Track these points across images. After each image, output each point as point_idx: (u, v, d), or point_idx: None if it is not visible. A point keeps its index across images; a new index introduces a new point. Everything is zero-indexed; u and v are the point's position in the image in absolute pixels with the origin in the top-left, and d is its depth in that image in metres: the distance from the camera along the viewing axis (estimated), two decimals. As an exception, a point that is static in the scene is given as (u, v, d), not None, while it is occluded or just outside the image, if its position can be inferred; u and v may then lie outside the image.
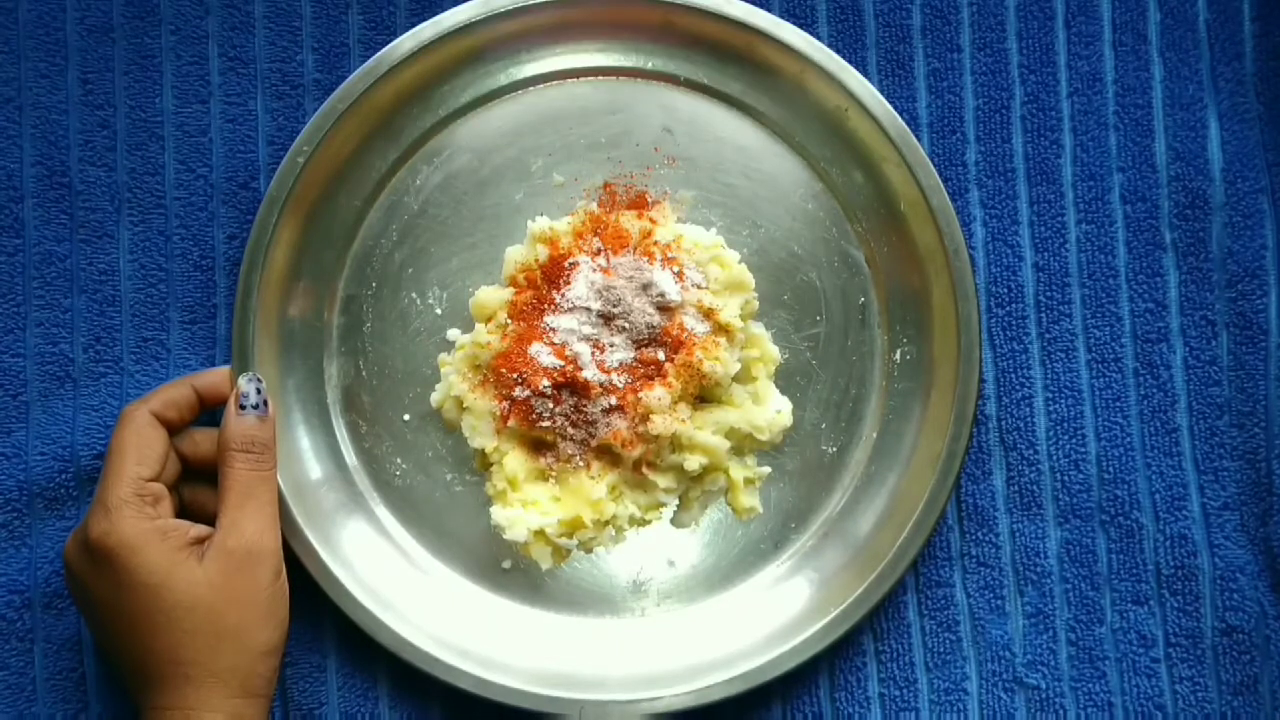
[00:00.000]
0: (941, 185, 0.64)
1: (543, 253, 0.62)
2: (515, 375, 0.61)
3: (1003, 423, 0.66)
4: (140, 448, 0.59)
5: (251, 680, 0.57)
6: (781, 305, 0.65)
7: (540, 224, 0.63)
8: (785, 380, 0.65)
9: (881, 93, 0.64)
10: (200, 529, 0.59)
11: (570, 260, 0.62)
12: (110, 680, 0.65)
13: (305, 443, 0.65)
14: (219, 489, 0.59)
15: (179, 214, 0.66)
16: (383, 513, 0.66)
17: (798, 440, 0.65)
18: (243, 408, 0.60)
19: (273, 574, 0.59)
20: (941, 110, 0.66)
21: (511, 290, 0.63)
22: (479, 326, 0.63)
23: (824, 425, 0.66)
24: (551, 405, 0.61)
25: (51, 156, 0.66)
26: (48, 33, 0.66)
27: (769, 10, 0.65)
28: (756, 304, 0.63)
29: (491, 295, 0.63)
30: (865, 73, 0.66)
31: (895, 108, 0.64)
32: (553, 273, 0.62)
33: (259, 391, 0.61)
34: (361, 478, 0.66)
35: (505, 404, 0.62)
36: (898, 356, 0.66)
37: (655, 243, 0.62)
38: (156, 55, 0.67)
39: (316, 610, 0.64)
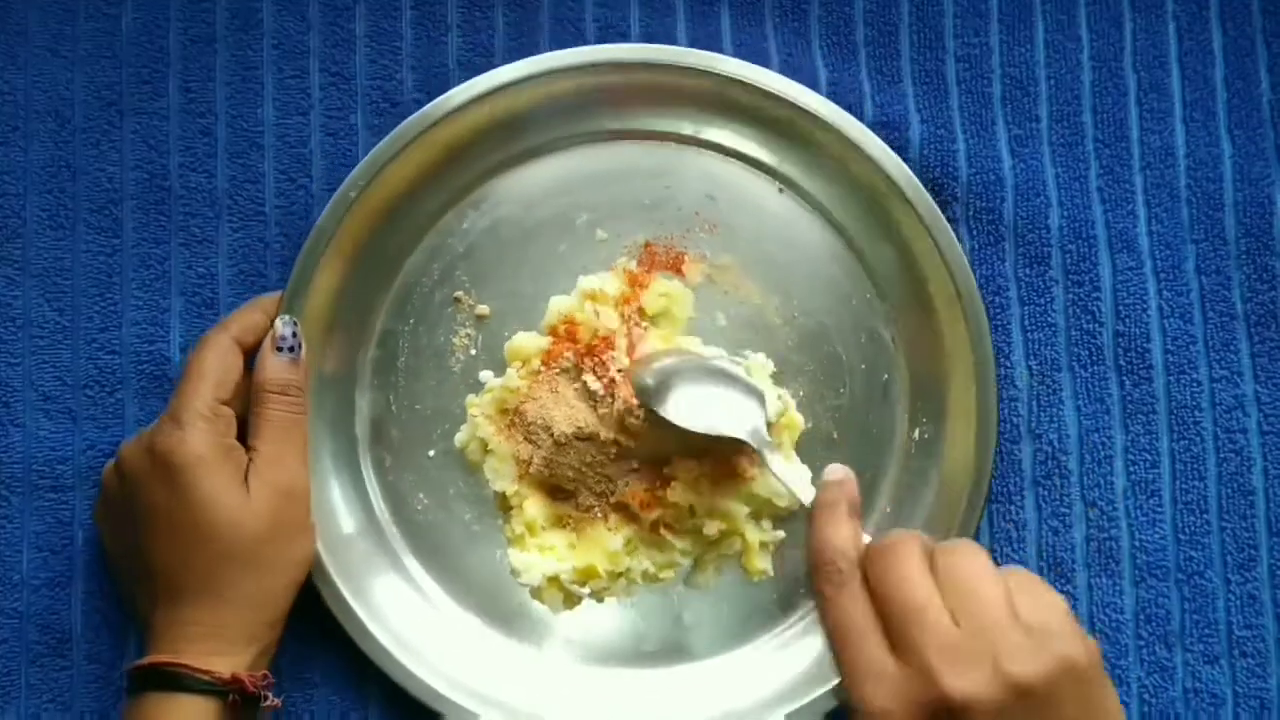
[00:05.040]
0: (969, 268, 0.65)
1: (589, 310, 0.63)
2: (540, 423, 0.62)
3: (1084, 479, 0.67)
4: (220, 370, 0.61)
5: (275, 608, 0.60)
6: (805, 374, 0.67)
7: (590, 281, 0.64)
8: (806, 448, 0.66)
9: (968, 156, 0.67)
10: None
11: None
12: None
13: (328, 462, 0.66)
14: (252, 428, 0.61)
15: (279, 222, 0.68)
16: (400, 547, 0.67)
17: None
18: (279, 349, 0.61)
19: (306, 512, 0.61)
20: (1026, 175, 0.68)
21: (549, 340, 0.64)
22: (510, 371, 0.64)
23: (840, 496, 0.67)
24: (573, 456, 0.62)
25: (152, 161, 0.68)
26: (150, 40, 0.68)
27: (817, 90, 0.67)
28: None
29: (528, 342, 0.64)
30: (951, 136, 0.68)
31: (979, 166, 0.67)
32: (588, 357, 0.64)
33: (294, 334, 0.62)
34: (383, 512, 0.67)
35: (528, 450, 0.63)
36: (916, 435, 0.67)
37: None
38: (258, 67, 0.69)
39: (320, 622, 0.65)
